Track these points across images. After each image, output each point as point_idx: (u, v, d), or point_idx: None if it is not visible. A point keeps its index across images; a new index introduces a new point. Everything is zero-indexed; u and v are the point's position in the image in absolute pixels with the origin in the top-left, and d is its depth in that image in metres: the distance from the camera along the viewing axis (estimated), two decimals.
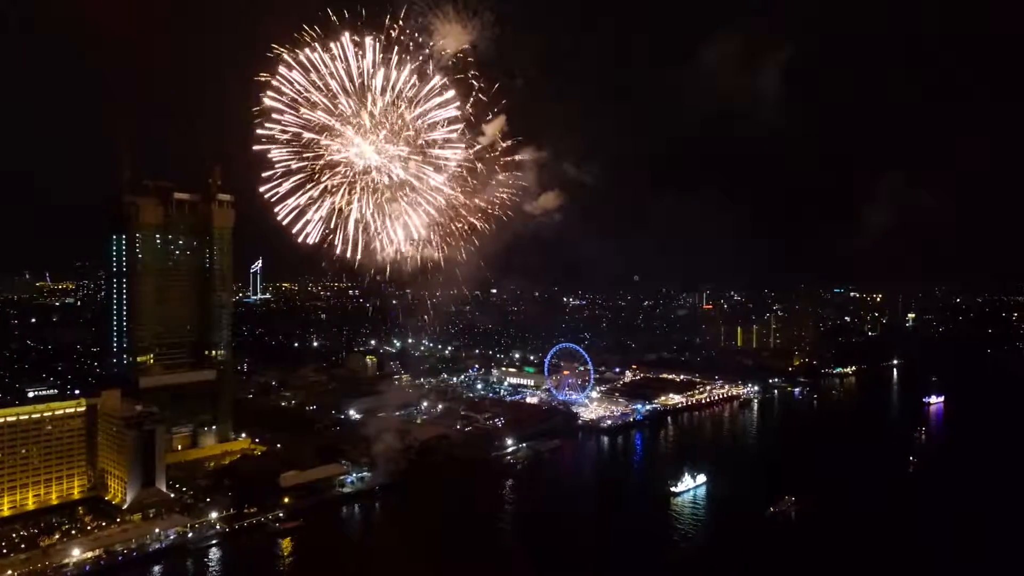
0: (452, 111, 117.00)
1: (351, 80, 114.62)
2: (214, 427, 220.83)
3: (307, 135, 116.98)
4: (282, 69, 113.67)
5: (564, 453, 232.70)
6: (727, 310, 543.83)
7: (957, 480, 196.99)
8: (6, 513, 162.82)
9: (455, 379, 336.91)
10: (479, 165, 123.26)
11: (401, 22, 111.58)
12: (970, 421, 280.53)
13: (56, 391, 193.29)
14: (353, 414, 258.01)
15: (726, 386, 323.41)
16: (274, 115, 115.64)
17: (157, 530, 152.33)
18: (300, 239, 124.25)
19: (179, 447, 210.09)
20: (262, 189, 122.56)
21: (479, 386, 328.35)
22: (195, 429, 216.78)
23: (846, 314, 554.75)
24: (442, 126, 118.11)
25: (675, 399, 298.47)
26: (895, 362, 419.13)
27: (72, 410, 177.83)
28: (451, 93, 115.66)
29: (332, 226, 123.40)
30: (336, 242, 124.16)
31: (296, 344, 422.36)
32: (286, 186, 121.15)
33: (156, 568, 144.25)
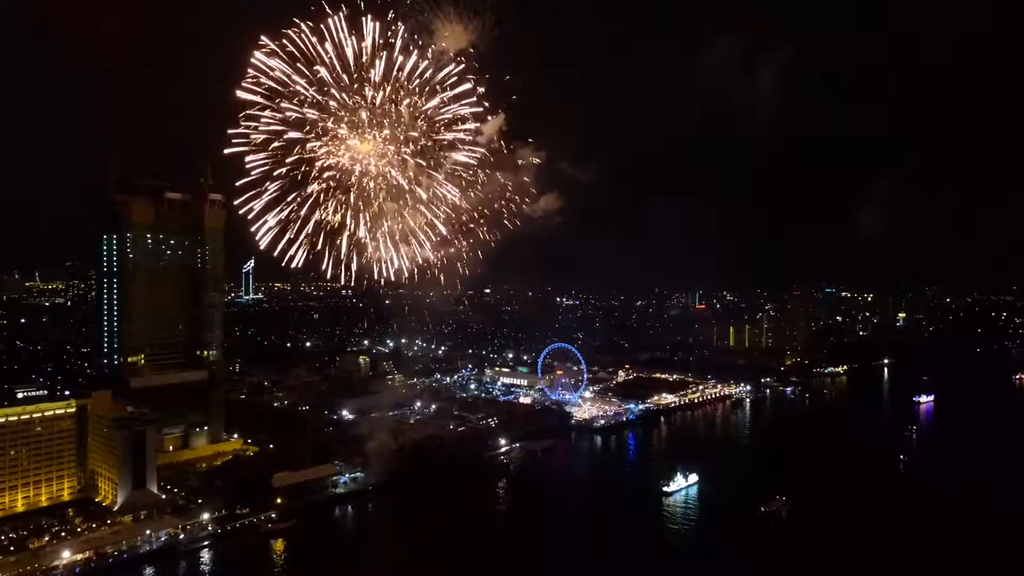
0: (467, 108, 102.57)
1: (345, 67, 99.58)
2: (206, 428, 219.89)
3: (290, 134, 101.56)
4: (260, 55, 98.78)
5: (557, 453, 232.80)
6: (720, 310, 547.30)
7: (947, 478, 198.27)
8: None
9: (448, 379, 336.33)
10: (488, 171, 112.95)
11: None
12: (960, 420, 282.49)
13: (46, 392, 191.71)
14: (346, 414, 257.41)
15: (718, 386, 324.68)
16: (250, 111, 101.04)
17: (148, 532, 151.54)
18: (283, 263, 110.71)
19: (170, 448, 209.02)
20: (236, 203, 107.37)
21: (472, 386, 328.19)
22: (187, 430, 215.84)
23: (837, 314, 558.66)
24: (459, 123, 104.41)
25: (668, 399, 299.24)
26: (886, 361, 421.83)
27: (62, 411, 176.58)
28: (468, 85, 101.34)
29: (320, 248, 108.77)
30: (326, 266, 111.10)
31: (289, 344, 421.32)
32: (266, 197, 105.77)
33: (147, 570, 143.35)
